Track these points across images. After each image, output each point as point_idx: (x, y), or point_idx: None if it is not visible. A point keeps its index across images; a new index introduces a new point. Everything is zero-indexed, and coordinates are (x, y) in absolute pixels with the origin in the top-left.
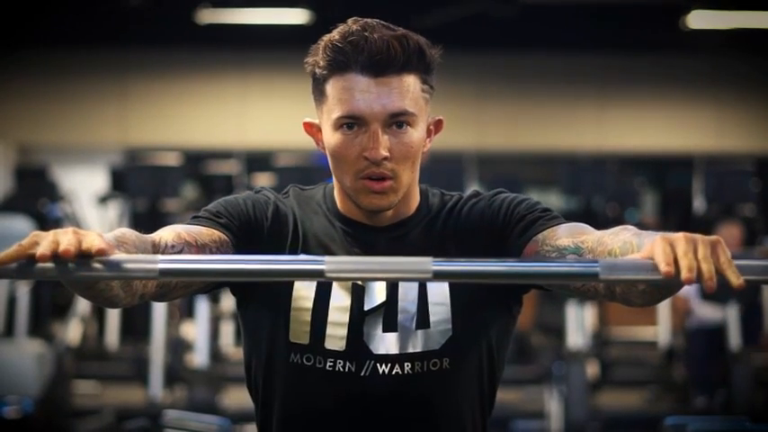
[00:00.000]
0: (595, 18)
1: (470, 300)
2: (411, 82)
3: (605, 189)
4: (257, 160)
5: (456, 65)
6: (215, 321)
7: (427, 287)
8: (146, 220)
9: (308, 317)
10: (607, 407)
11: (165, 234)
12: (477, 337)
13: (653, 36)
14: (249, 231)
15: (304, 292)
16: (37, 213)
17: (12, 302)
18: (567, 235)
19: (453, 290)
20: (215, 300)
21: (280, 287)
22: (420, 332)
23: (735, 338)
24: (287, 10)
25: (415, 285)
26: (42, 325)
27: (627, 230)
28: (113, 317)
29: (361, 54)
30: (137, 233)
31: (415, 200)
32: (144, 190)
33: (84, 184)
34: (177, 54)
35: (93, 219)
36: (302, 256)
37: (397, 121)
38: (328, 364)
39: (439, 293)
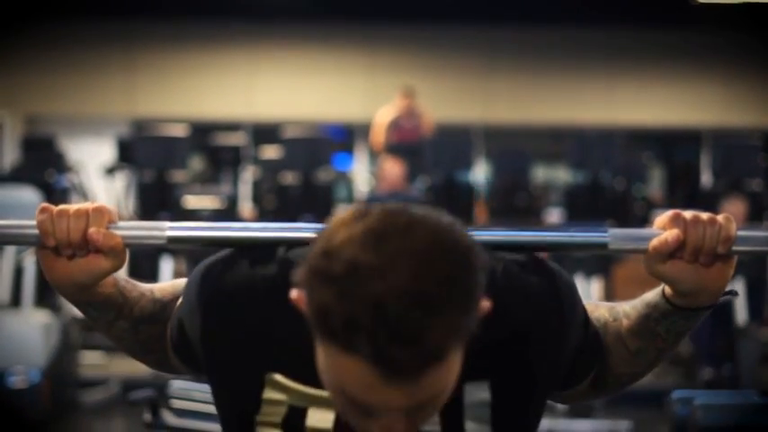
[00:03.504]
0: None
1: (518, 417)
2: (445, 367)
3: (612, 163)
4: (264, 132)
5: (464, 38)
6: None
7: (464, 413)
8: (152, 190)
9: None
10: None
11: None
12: None
13: (661, 10)
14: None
15: (270, 430)
16: (44, 184)
17: (18, 273)
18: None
19: (497, 413)
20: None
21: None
22: None
23: (741, 313)
24: None
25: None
26: (49, 295)
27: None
28: None
29: (369, 351)
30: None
31: None
32: (151, 161)
33: (91, 155)
34: (185, 25)
35: (100, 189)
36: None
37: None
38: None
39: (478, 417)
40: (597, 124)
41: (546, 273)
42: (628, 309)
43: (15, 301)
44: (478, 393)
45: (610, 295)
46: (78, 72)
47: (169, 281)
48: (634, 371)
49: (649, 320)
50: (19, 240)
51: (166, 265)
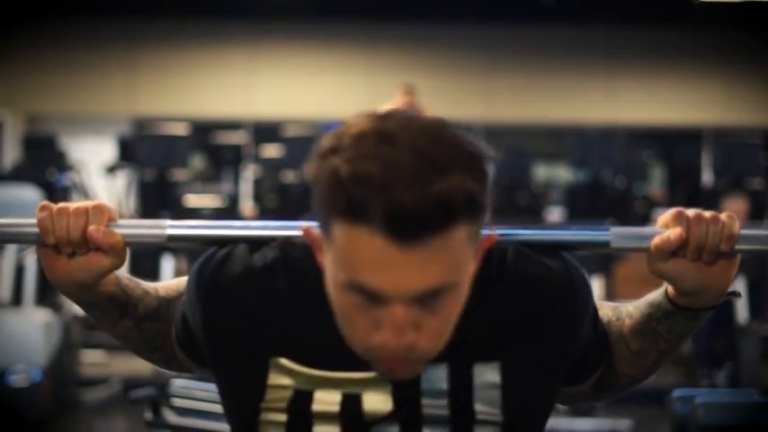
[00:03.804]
0: None
1: (529, 402)
2: (455, 240)
3: (613, 161)
4: (265, 130)
5: (465, 36)
6: None
7: (473, 395)
8: (153, 189)
9: None
10: None
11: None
12: None
13: (662, 9)
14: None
15: (275, 415)
16: (45, 182)
17: (19, 271)
18: (616, 317)
19: (508, 396)
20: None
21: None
22: None
23: (742, 311)
24: None
25: (444, 385)
26: (50, 294)
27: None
28: None
29: (380, 207)
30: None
31: None
32: (152, 160)
33: (92, 154)
34: (186, 24)
35: (101, 188)
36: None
37: (431, 295)
38: None
39: (488, 399)
40: (598, 123)
41: (559, 259)
42: (631, 309)
43: (16, 299)
44: (489, 375)
45: (611, 294)
46: (79, 71)
47: (173, 279)
48: (635, 372)
49: (651, 320)
50: (19, 239)
51: (167, 264)
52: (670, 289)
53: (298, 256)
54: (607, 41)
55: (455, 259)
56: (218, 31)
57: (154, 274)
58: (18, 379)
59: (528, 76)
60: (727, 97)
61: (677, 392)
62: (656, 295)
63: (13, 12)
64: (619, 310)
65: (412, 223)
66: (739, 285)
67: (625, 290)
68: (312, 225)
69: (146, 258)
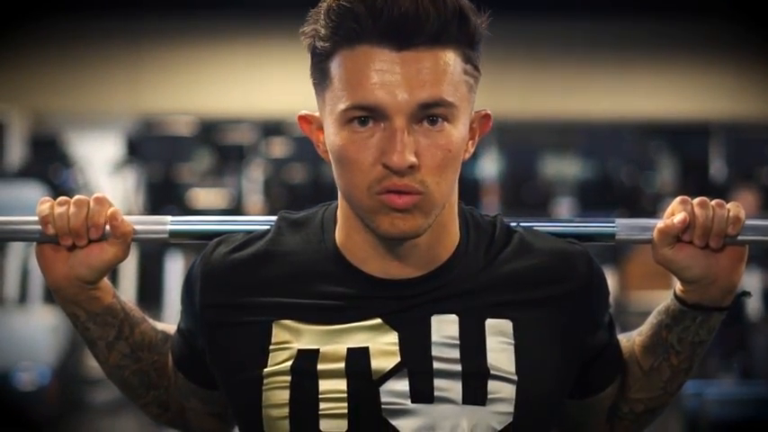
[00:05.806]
0: None
1: (543, 368)
2: (449, 59)
3: (622, 155)
4: (272, 127)
5: None
6: None
7: (486, 350)
8: (160, 188)
9: (284, 411)
10: None
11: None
12: (547, 420)
13: (671, 0)
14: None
15: (279, 378)
16: (50, 182)
17: (26, 270)
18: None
19: (521, 356)
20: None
21: (246, 365)
22: (469, 409)
23: (754, 307)
24: None
25: (455, 338)
26: None
27: None
28: (127, 286)
29: (378, 18)
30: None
31: (454, 232)
32: (158, 158)
33: (96, 151)
34: (190, 20)
35: (105, 186)
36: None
37: (430, 114)
38: None
39: (501, 358)
40: (606, 116)
41: (579, 245)
42: (642, 327)
43: (23, 298)
44: (501, 334)
45: (623, 287)
46: (83, 68)
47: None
48: (649, 395)
49: (662, 329)
50: (19, 235)
51: (175, 265)
52: (678, 286)
53: (295, 216)
54: (615, 34)
55: (451, 79)
56: (222, 28)
57: (159, 277)
58: (26, 379)
59: (535, 69)
60: (737, 90)
61: (687, 387)
62: (664, 302)
63: (16, 10)
64: (630, 333)
65: (407, 25)
66: (751, 282)
67: (636, 282)
68: (305, 112)
69: (151, 259)
